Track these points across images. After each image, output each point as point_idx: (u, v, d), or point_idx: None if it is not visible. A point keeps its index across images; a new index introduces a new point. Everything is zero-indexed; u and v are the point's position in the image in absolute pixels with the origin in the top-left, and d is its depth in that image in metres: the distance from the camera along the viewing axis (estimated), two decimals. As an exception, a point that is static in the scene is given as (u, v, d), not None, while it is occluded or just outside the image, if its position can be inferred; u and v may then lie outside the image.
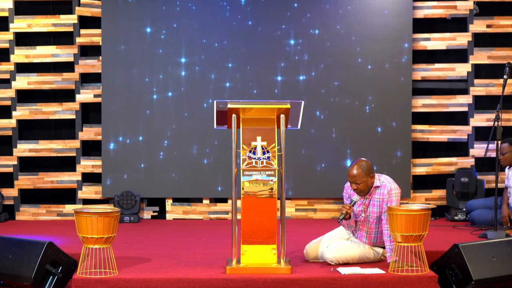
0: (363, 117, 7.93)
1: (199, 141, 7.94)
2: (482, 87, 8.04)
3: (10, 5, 7.94)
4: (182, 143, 7.95)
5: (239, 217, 5.11)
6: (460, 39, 8.03)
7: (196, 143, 7.94)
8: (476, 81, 8.04)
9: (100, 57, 7.95)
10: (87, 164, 8.03)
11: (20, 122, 8.03)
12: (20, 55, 7.99)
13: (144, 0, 7.90)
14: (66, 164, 8.10)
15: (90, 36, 8.00)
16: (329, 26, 7.91)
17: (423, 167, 8.07)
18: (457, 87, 8.10)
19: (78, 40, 7.98)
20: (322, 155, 7.93)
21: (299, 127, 5.35)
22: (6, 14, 7.95)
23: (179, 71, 7.94)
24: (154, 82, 7.94)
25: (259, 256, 5.10)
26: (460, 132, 8.05)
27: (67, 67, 8.03)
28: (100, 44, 7.95)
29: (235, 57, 7.92)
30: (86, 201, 8.03)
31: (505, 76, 6.66)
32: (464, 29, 8.06)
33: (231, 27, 7.92)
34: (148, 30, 7.92)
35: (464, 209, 7.59)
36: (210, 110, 7.66)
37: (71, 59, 7.99)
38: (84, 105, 8.06)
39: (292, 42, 7.92)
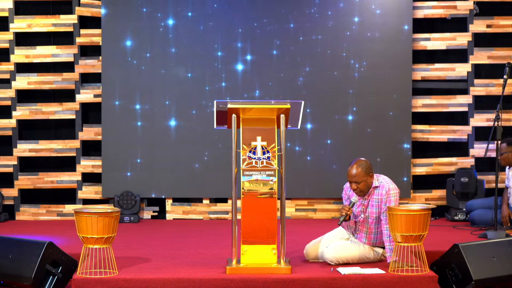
0: (363, 117, 7.93)
1: (199, 141, 7.93)
2: (482, 87, 8.04)
3: (10, 5, 7.94)
4: (182, 143, 7.94)
5: (239, 217, 5.11)
6: (460, 39, 8.03)
7: (196, 143, 7.93)
8: (476, 81, 8.03)
9: (100, 57, 7.95)
10: (87, 164, 8.03)
11: (20, 122, 8.03)
12: (20, 55, 7.99)
13: (144, 0, 7.91)
14: (66, 164, 8.10)
15: (90, 36, 8.00)
16: (329, 26, 7.91)
17: (423, 167, 8.06)
18: (457, 87, 8.10)
19: (78, 40, 7.97)
20: (323, 155, 7.92)
21: (299, 127, 5.35)
22: (6, 14, 7.95)
23: (179, 70, 7.94)
24: (154, 82, 7.94)
25: (259, 256, 5.10)
26: (460, 132, 8.05)
27: (67, 67, 8.03)
28: (100, 44, 7.95)
29: (237, 55, 7.91)
30: (86, 201, 8.03)
31: (505, 76, 6.66)
32: (464, 29, 8.06)
33: (233, 26, 7.91)
34: (148, 30, 7.92)
35: (464, 209, 7.59)
36: (210, 110, 7.67)
37: (71, 59, 7.98)
38: (84, 105, 8.06)
39: (291, 42, 7.93)
